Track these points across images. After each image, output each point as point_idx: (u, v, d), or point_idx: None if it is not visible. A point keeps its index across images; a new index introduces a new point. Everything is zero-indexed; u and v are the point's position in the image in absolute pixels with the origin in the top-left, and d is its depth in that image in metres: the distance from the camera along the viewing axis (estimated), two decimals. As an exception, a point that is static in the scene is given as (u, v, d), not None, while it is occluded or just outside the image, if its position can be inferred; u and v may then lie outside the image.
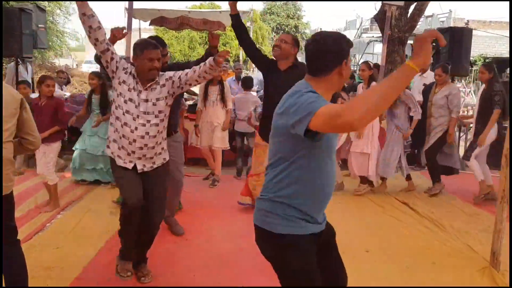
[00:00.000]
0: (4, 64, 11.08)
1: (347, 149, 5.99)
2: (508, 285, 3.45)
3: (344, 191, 5.95)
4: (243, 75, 9.51)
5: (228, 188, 6.01)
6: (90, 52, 23.87)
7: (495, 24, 26.43)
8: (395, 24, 9.16)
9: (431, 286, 3.52)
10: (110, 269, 3.53)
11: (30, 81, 7.71)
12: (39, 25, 7.91)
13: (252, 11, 14.58)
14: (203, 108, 6.22)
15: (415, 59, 1.64)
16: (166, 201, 3.52)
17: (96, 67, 15.68)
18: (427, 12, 10.14)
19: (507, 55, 20.02)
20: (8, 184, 2.60)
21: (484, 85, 5.88)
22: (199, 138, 6.29)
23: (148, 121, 3.09)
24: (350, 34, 27.31)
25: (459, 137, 7.88)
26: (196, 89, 7.47)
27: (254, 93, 8.00)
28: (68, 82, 9.69)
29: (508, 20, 25.13)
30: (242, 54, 13.85)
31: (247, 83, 6.84)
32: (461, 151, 6.72)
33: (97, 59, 3.45)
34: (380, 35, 11.44)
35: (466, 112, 10.85)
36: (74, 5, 21.28)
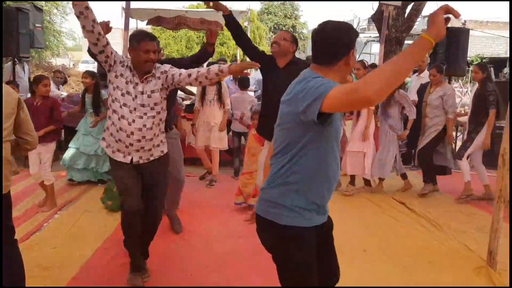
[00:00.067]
0: (1, 64, 11.03)
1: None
2: (507, 285, 3.46)
3: (340, 191, 5.94)
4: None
5: (226, 188, 6.01)
6: (87, 51, 23.81)
7: (492, 24, 26.53)
8: (393, 24, 9.16)
9: (429, 286, 3.53)
10: (107, 269, 3.53)
11: (27, 80, 7.70)
12: (36, 25, 7.88)
13: (249, 11, 14.58)
14: (200, 107, 6.22)
15: (429, 31, 1.67)
16: (166, 195, 3.51)
17: (93, 67, 15.67)
18: (425, 12, 10.13)
19: (504, 55, 20.11)
20: (5, 184, 2.60)
21: (477, 85, 5.90)
22: (195, 137, 6.29)
23: (145, 114, 3.08)
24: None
25: (456, 136, 7.90)
26: (193, 88, 7.46)
27: (251, 93, 8.00)
28: (65, 82, 9.66)
29: (505, 20, 25.26)
30: (239, 54, 13.84)
31: (243, 83, 6.84)
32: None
33: (91, 52, 3.34)
34: (378, 35, 11.44)
35: (463, 111, 10.87)
36: (71, 4, 21.22)
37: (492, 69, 13.42)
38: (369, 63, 6.91)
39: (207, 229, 4.57)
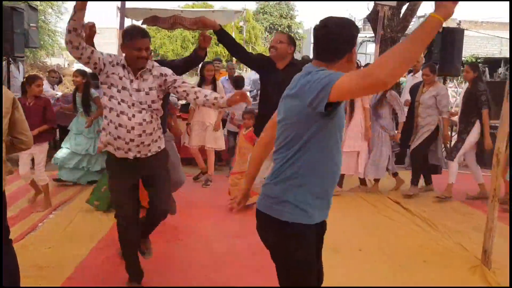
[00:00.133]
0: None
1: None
2: (501, 284, 3.48)
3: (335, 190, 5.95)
4: (236, 74, 9.51)
5: (221, 188, 6.00)
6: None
7: (487, 25, 26.62)
8: (388, 24, 9.18)
9: (424, 286, 3.54)
10: (102, 269, 3.52)
11: (21, 80, 7.66)
12: (31, 24, 7.85)
13: (245, 10, 14.59)
14: (195, 107, 6.21)
15: (438, 10, 1.64)
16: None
17: (88, 67, 15.59)
18: (420, 12, 10.17)
19: (499, 56, 20.19)
20: (0, 184, 2.59)
21: (468, 84, 5.92)
22: (189, 137, 6.27)
23: (143, 109, 3.09)
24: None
25: (451, 136, 7.92)
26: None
27: (247, 93, 7.99)
28: (59, 81, 9.63)
29: (500, 20, 25.37)
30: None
31: (238, 83, 6.84)
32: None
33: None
34: (373, 35, 11.46)
35: (458, 111, 10.89)
36: (66, 4, 21.13)
37: (487, 69, 13.48)
38: (364, 64, 6.91)
39: (203, 229, 4.57)
